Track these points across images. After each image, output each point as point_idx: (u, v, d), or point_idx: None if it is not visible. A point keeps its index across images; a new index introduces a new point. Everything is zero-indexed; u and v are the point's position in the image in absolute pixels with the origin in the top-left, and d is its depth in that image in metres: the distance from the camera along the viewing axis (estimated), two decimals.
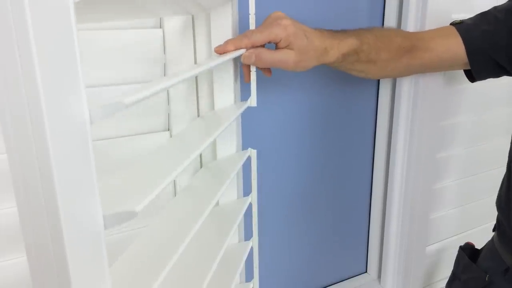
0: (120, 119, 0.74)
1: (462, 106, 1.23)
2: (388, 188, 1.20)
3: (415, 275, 1.25)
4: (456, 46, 0.85)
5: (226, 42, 0.70)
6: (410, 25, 1.03)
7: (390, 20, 1.08)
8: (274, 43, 0.74)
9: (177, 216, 0.63)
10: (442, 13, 1.01)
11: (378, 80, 1.16)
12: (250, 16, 0.74)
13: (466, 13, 0.93)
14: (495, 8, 0.85)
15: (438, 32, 0.89)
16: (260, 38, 0.72)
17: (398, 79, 1.10)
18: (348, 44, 0.80)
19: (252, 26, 0.75)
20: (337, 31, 0.81)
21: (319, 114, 1.10)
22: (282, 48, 0.74)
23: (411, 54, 0.86)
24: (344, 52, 0.79)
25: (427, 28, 0.99)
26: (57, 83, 0.31)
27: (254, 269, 0.88)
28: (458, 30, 0.86)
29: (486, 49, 0.83)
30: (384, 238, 1.25)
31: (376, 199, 1.25)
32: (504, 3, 0.84)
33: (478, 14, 0.87)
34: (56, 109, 0.31)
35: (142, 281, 0.45)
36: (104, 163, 0.58)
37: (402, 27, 1.05)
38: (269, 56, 0.73)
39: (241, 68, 0.78)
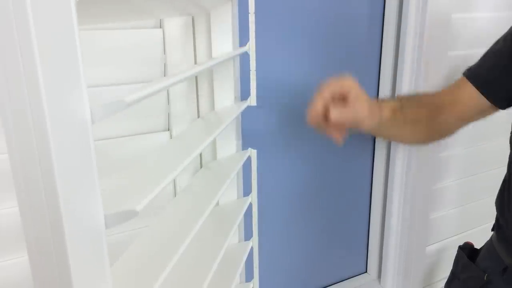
0: (120, 119, 0.74)
1: None
2: (388, 188, 1.20)
3: (415, 275, 1.25)
4: (475, 92, 0.86)
5: (313, 105, 0.78)
6: (410, 25, 1.03)
7: (390, 20, 1.08)
8: (344, 94, 0.79)
9: (177, 216, 0.63)
10: (442, 13, 1.01)
11: (378, 79, 1.16)
12: (250, 15, 0.74)
13: (466, 13, 0.93)
14: (496, 42, 0.85)
15: (453, 86, 0.91)
16: (336, 86, 0.78)
17: (397, 82, 1.10)
18: (390, 103, 0.87)
19: (252, 25, 0.75)
20: None
21: None
22: (352, 102, 0.79)
23: (443, 110, 0.89)
24: (392, 108, 0.85)
25: (426, 26, 0.99)
26: (59, 83, 0.31)
27: (254, 269, 0.88)
28: (467, 77, 0.87)
29: (501, 82, 0.83)
30: (384, 238, 1.25)
31: (376, 199, 1.25)
32: (505, 33, 0.84)
33: (484, 54, 0.88)
34: (57, 108, 0.31)
35: (143, 281, 0.45)
36: (104, 163, 0.58)
37: (402, 27, 1.05)
38: (350, 110, 0.79)
39: (241, 69, 0.78)
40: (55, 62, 0.31)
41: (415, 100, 0.93)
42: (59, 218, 0.32)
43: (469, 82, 0.86)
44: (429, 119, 0.90)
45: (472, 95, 0.86)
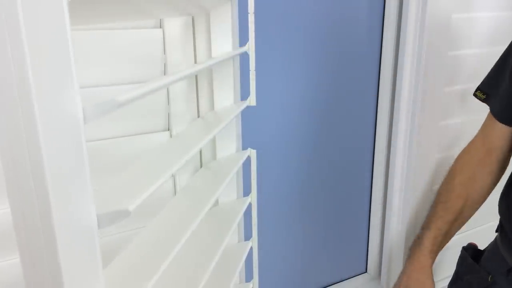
0: (120, 119, 0.74)
1: (462, 106, 1.22)
2: (388, 188, 1.20)
3: None
4: (501, 125, 0.86)
5: None
6: (410, 25, 1.03)
7: (390, 21, 1.08)
8: None
9: (176, 215, 0.63)
10: (442, 13, 1.01)
11: (378, 81, 1.16)
12: (249, 15, 0.74)
13: (466, 13, 0.92)
14: (504, 68, 0.84)
15: (483, 128, 0.92)
16: None
17: (397, 82, 1.10)
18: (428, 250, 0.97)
19: (251, 25, 0.75)
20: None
21: (319, 114, 1.10)
22: None
23: (487, 160, 0.90)
24: (435, 245, 0.94)
25: (426, 26, 0.99)
26: (50, 82, 0.31)
27: (254, 269, 0.88)
28: (491, 110, 0.87)
29: None
30: (384, 237, 1.25)
31: (376, 199, 1.25)
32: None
33: (495, 77, 0.88)
34: (48, 107, 0.31)
35: (136, 280, 0.45)
36: (104, 163, 0.58)
37: (402, 27, 1.05)
38: None
39: (241, 69, 0.79)
40: (46, 61, 0.31)
41: (448, 196, 0.96)
42: (49, 218, 0.32)
43: (497, 122, 0.86)
44: (463, 199, 0.94)
45: (505, 130, 0.86)
